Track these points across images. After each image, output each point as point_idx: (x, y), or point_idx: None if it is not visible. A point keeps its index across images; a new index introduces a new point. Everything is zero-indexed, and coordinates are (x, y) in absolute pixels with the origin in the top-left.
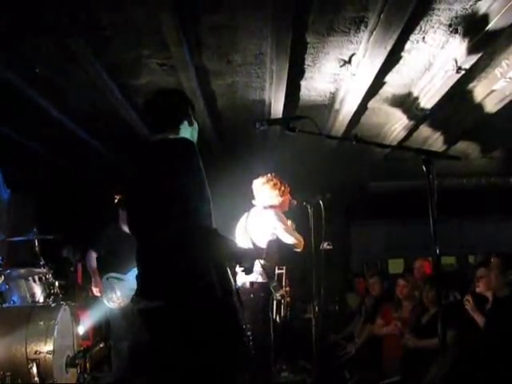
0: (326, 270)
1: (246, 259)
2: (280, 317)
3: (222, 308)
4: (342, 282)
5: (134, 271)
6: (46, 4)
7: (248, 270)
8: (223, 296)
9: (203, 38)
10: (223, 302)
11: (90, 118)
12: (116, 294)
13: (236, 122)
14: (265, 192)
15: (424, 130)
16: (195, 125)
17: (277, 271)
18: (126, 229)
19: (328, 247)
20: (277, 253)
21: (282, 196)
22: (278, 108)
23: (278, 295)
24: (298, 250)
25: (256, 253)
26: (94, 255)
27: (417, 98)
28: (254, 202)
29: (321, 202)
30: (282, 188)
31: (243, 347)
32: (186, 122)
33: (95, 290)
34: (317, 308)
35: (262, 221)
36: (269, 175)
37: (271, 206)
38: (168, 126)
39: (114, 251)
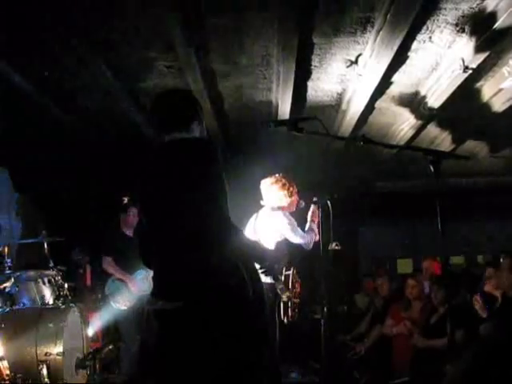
0: (335, 270)
1: (267, 260)
2: (287, 318)
3: (253, 308)
4: (350, 282)
5: (140, 273)
6: (52, 7)
7: (269, 271)
8: (254, 295)
9: (209, 40)
10: (254, 301)
11: (98, 120)
12: (122, 295)
13: (243, 123)
14: (273, 192)
15: (432, 130)
16: (204, 125)
17: (284, 272)
18: (127, 232)
19: (336, 247)
20: (285, 254)
21: (290, 197)
22: (284, 109)
23: (284, 297)
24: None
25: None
26: (110, 260)
27: (424, 98)
28: (262, 202)
29: (329, 203)
30: (291, 188)
31: (268, 349)
32: (196, 122)
33: (132, 286)
34: (325, 309)
35: (270, 222)
36: (277, 175)
37: (279, 207)
38: (180, 125)
39: (119, 253)
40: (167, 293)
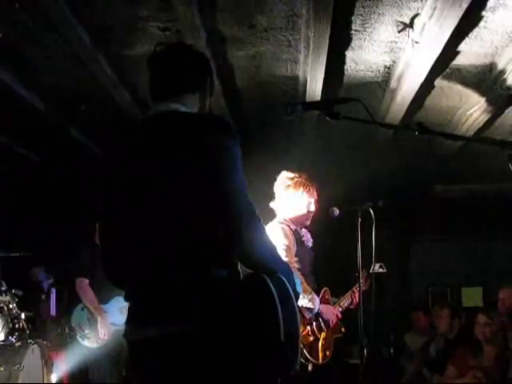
0: (378, 300)
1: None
2: (315, 361)
3: (282, 357)
4: (398, 316)
5: (117, 301)
6: None
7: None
8: (286, 339)
9: None
10: (283, 348)
11: (70, 100)
12: (93, 329)
13: (260, 105)
14: (286, 193)
15: (511, 116)
16: (209, 100)
17: None
18: None
19: (380, 271)
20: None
21: (308, 198)
22: (315, 87)
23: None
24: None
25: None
26: (86, 284)
27: (502, 73)
28: (271, 204)
29: (371, 211)
30: (310, 189)
31: None
32: (198, 93)
33: (102, 334)
34: (365, 351)
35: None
36: (293, 173)
37: (293, 217)
38: (179, 90)
39: (93, 275)
40: (161, 315)
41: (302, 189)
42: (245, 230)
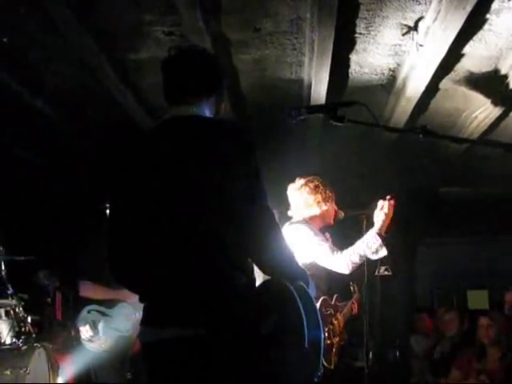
0: (384, 303)
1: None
2: (327, 365)
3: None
4: (404, 319)
5: (121, 307)
6: None
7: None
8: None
9: None
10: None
11: (74, 104)
12: (97, 333)
13: (265, 108)
14: (302, 198)
15: None
16: (223, 106)
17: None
18: None
19: (386, 273)
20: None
21: (324, 202)
22: (319, 90)
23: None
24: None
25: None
26: (89, 284)
27: (506, 76)
28: (289, 212)
29: None
30: (325, 193)
31: None
32: (214, 97)
33: (132, 299)
34: (371, 354)
35: (289, 238)
36: (308, 178)
37: (308, 219)
38: (196, 94)
39: (99, 277)
40: (176, 317)
41: (318, 190)
42: (264, 237)
